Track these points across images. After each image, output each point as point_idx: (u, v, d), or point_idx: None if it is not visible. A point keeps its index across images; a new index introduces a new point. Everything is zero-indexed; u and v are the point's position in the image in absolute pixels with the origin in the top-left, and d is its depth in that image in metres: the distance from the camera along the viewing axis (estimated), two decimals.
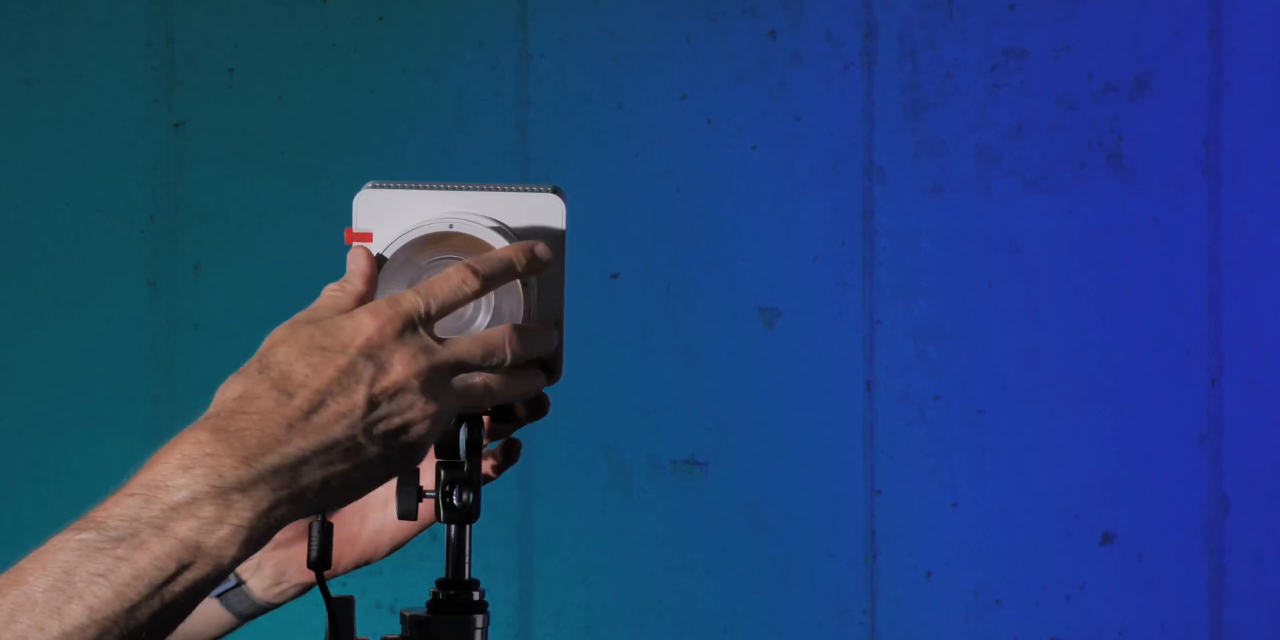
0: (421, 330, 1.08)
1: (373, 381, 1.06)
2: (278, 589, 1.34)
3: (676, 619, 2.56)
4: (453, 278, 1.10)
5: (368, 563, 1.31)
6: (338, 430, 1.05)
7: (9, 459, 2.47)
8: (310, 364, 1.06)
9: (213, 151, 2.51)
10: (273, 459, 1.03)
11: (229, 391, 1.06)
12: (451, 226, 1.14)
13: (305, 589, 1.34)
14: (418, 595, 2.42)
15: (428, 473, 1.17)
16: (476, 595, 1.18)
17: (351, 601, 1.17)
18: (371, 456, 1.06)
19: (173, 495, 1.01)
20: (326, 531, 1.17)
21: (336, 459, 1.05)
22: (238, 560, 1.02)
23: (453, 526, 1.18)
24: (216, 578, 1.02)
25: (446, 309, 1.10)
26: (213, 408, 1.06)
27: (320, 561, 1.16)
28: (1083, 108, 2.58)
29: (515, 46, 2.54)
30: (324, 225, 2.48)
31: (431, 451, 1.13)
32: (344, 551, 1.30)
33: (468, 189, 1.16)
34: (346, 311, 1.09)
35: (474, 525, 1.18)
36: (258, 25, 2.51)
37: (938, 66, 2.57)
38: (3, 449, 2.47)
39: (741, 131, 2.56)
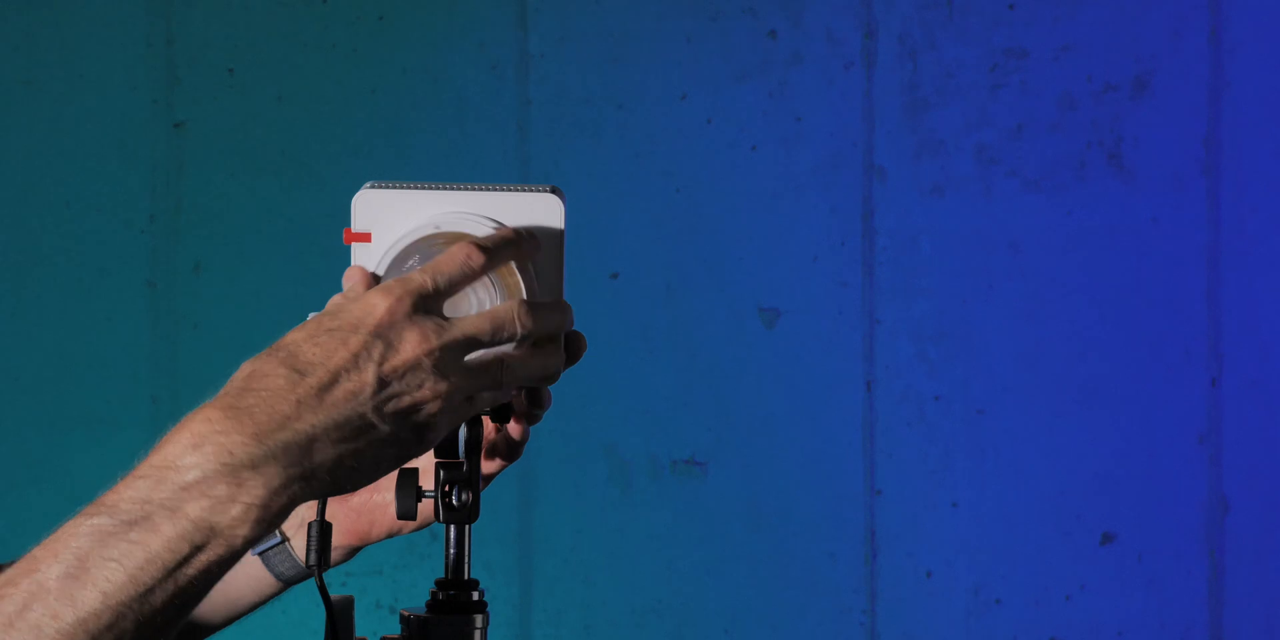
0: (432, 309, 1.08)
1: (383, 360, 1.06)
2: None
3: (676, 619, 2.56)
4: (457, 255, 1.10)
5: (399, 532, 1.30)
6: (348, 408, 1.05)
7: (9, 459, 2.47)
8: (321, 344, 1.06)
9: (213, 151, 2.51)
10: (284, 435, 1.03)
11: (240, 372, 1.06)
12: (439, 227, 1.14)
13: (349, 553, 1.33)
14: (418, 595, 2.42)
15: (427, 473, 1.17)
16: (476, 595, 1.18)
17: (351, 601, 1.18)
18: (383, 436, 1.06)
19: (183, 475, 1.02)
20: (326, 531, 1.17)
21: (348, 437, 1.05)
22: (250, 541, 1.02)
23: (452, 526, 1.18)
24: (230, 559, 1.02)
25: (455, 285, 1.10)
26: (224, 389, 1.06)
27: (320, 562, 1.16)
28: (1083, 108, 2.58)
29: (515, 46, 2.54)
30: (324, 225, 2.48)
31: (431, 452, 1.13)
32: (378, 517, 1.30)
33: (466, 189, 1.15)
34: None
35: (474, 525, 1.18)
36: (258, 25, 2.51)
37: (938, 66, 2.57)
38: (3, 449, 2.47)
39: (741, 131, 2.56)
